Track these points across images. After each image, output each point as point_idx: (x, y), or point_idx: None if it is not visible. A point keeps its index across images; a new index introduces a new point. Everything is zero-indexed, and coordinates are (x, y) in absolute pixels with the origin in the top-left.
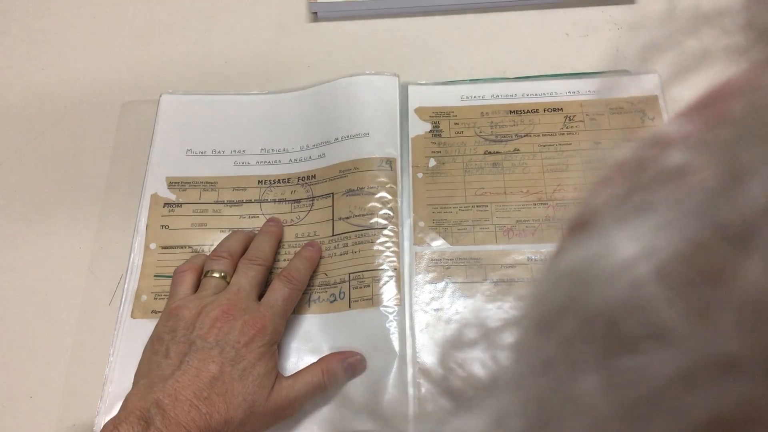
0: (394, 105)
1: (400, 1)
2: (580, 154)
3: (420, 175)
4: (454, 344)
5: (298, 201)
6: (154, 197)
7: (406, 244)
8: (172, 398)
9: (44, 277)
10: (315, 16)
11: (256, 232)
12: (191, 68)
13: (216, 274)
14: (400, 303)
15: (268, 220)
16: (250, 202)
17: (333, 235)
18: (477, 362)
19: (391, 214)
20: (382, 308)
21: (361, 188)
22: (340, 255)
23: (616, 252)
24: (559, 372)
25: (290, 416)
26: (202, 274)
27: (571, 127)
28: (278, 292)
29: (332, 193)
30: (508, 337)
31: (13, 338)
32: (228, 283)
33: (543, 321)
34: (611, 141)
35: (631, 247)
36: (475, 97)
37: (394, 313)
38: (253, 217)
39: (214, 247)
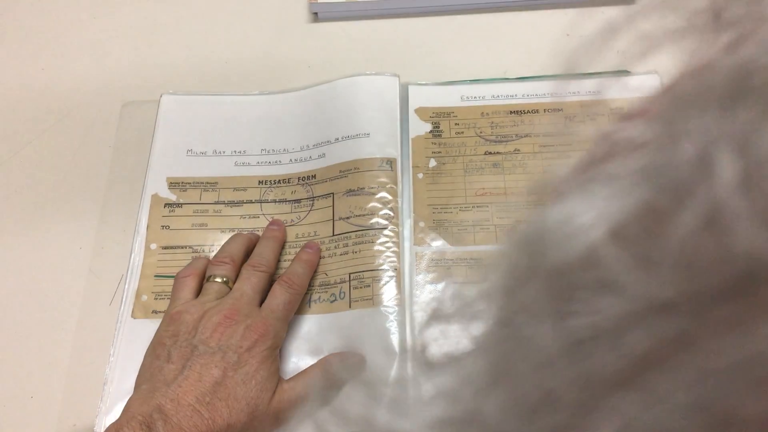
0: (394, 105)
1: (400, 1)
2: (581, 154)
3: (420, 175)
4: (433, 318)
5: (298, 201)
6: (155, 197)
7: (407, 245)
8: (174, 403)
9: (44, 277)
10: (315, 16)
11: (258, 233)
12: (192, 68)
13: (218, 279)
14: (401, 303)
15: (271, 223)
16: (250, 202)
17: (333, 235)
18: (455, 333)
19: (392, 214)
20: (382, 308)
21: (361, 188)
22: (341, 255)
23: (575, 217)
24: (519, 324)
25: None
26: (203, 279)
27: (572, 127)
28: (279, 297)
29: (332, 193)
30: (481, 307)
31: (13, 338)
32: (230, 288)
33: (508, 284)
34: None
35: (588, 212)
36: (475, 97)
37: (395, 314)
38: (254, 217)
39: (215, 247)
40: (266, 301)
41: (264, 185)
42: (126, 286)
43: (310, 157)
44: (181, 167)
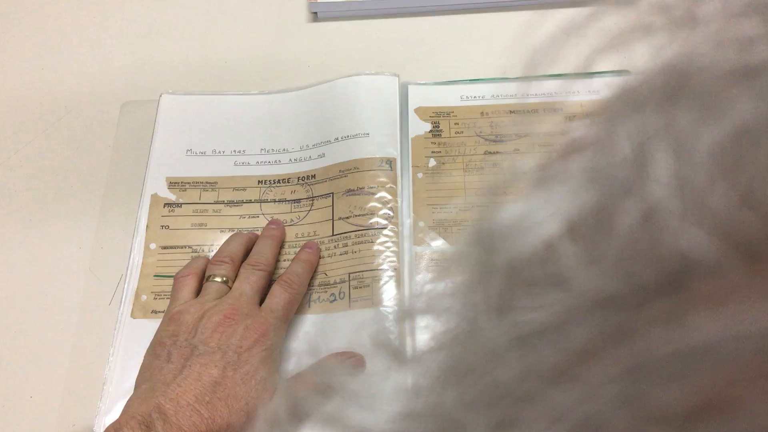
0: (394, 105)
1: (400, 1)
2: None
3: (420, 175)
4: (405, 314)
5: (298, 201)
6: (155, 197)
7: (406, 244)
8: (173, 403)
9: (44, 277)
10: (315, 16)
11: (258, 233)
12: (191, 68)
13: (218, 279)
14: (400, 303)
15: (270, 223)
16: (250, 202)
17: (333, 235)
18: (425, 329)
19: (391, 214)
20: (382, 308)
21: (361, 188)
22: (340, 255)
23: (530, 214)
24: (474, 319)
25: None
26: (203, 279)
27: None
28: (279, 296)
29: (332, 193)
30: (446, 303)
31: (13, 338)
32: (230, 287)
33: (469, 280)
34: None
35: (544, 209)
36: (475, 97)
37: (395, 313)
38: (253, 217)
39: (215, 247)
40: (266, 301)
41: (263, 185)
42: (125, 286)
43: (310, 156)
44: (181, 167)
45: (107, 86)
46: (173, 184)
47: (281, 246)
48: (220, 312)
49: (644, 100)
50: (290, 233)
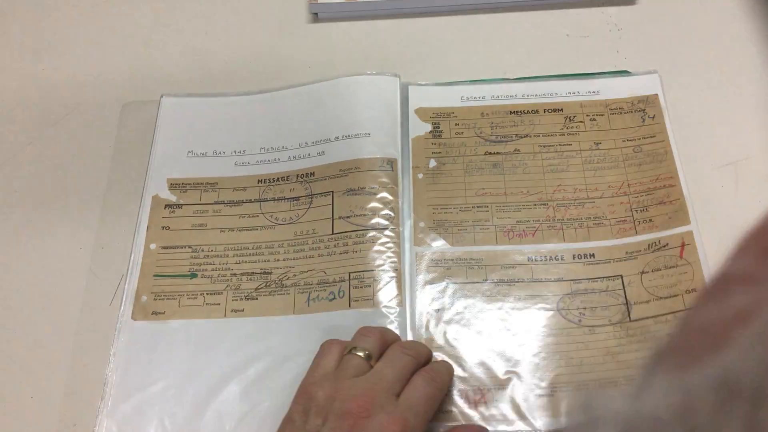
0: (395, 106)
1: (401, 1)
2: (581, 154)
3: (420, 175)
4: None
5: (296, 199)
6: (155, 199)
7: (407, 245)
8: None
9: (44, 277)
10: (315, 17)
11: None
12: (191, 69)
13: (359, 353)
14: (401, 303)
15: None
16: (249, 201)
17: (333, 234)
18: None
19: (392, 214)
20: (383, 308)
21: (362, 188)
22: (340, 254)
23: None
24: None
25: None
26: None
27: (572, 127)
28: (420, 389)
29: (332, 192)
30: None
31: (13, 338)
32: (371, 366)
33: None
34: (611, 141)
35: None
36: (475, 97)
37: (395, 314)
38: (253, 216)
39: (214, 247)
40: (404, 393)
41: (263, 184)
42: (126, 287)
43: (309, 154)
44: (182, 168)
45: (108, 87)
46: (174, 185)
47: (428, 362)
48: (353, 399)
49: None
50: (289, 232)
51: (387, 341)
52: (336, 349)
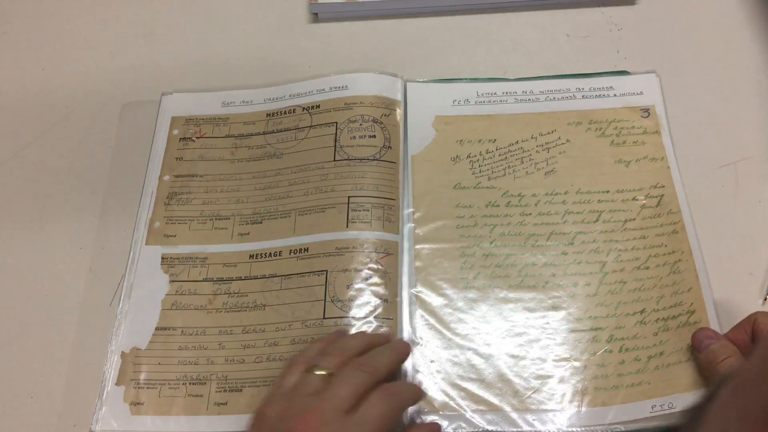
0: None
1: (401, 1)
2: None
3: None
4: None
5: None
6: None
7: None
8: None
9: (44, 277)
10: (315, 17)
11: (387, 335)
12: (191, 69)
13: (318, 371)
14: (398, 296)
15: (399, 340)
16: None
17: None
18: None
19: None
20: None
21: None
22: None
23: None
24: None
25: None
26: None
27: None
28: (374, 408)
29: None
30: None
31: (13, 338)
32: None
33: None
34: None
35: None
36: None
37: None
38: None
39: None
40: (360, 410)
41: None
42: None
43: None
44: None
45: (108, 86)
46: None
47: (401, 364)
48: (299, 416)
49: None
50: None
51: (350, 356)
52: (298, 369)
